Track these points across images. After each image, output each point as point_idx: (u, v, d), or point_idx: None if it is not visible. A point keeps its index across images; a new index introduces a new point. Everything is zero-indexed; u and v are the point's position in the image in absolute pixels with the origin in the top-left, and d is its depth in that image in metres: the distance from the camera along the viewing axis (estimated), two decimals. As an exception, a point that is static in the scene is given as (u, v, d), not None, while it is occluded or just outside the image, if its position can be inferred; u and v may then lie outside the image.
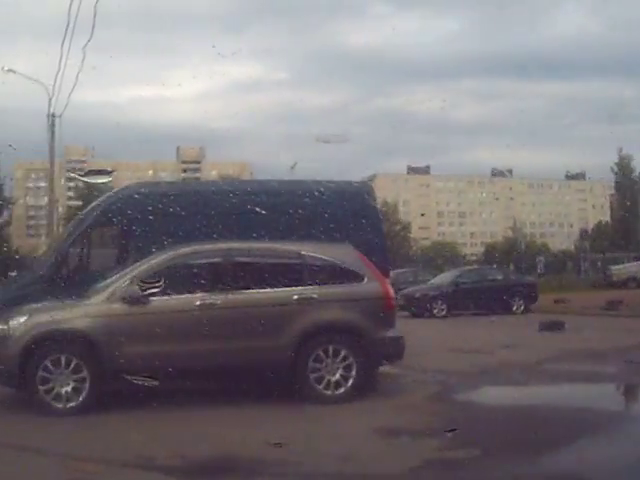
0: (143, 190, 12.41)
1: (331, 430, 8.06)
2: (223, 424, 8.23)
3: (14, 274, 21.08)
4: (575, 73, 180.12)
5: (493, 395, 10.92)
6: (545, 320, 19.02)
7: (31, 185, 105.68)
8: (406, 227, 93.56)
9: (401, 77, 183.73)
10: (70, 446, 7.44)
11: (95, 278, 10.36)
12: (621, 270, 41.69)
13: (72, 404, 8.99)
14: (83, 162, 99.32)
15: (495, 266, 44.46)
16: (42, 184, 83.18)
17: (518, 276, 34.17)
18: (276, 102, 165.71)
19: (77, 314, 9.36)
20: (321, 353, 9.49)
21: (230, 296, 9.46)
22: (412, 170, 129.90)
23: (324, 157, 75.92)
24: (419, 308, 26.76)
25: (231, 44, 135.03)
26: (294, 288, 9.67)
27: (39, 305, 9.86)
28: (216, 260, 9.83)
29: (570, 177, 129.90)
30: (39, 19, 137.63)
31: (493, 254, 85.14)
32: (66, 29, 17.92)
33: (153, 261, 9.72)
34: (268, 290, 9.63)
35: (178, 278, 9.56)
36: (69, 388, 9.02)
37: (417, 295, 27.67)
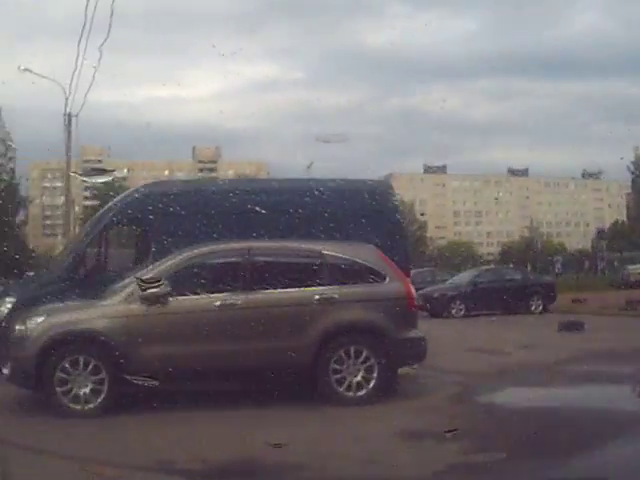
0: (160, 189, 12.34)
1: (353, 432, 7.95)
2: (242, 426, 8.11)
3: (31, 274, 21.04)
4: (591, 72, 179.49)
5: (513, 396, 10.74)
6: (564, 320, 18.82)
7: (47, 185, 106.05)
8: (422, 226, 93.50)
9: (417, 76, 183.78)
10: (88, 449, 7.31)
11: (112, 278, 10.30)
12: (638, 269, 41.38)
13: (90, 406, 8.93)
14: (99, 162, 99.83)
15: (512, 266, 44.17)
16: (58, 184, 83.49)
17: (536, 276, 34.01)
18: (292, 102, 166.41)
19: (95, 315, 9.29)
20: (342, 354, 9.38)
21: (250, 296, 9.36)
22: (428, 169, 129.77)
23: (340, 156, 75.74)
24: (437, 308, 26.63)
25: (247, 44, 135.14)
26: (315, 288, 9.55)
27: (57, 305, 9.81)
28: (236, 260, 9.71)
29: (586, 176, 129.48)
30: (56, 18, 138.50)
31: (509, 254, 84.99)
32: (82, 28, 17.95)
33: (171, 261, 9.64)
34: (289, 290, 9.54)
35: (197, 278, 9.47)
36: (87, 390, 8.94)
37: (435, 295, 27.52)
